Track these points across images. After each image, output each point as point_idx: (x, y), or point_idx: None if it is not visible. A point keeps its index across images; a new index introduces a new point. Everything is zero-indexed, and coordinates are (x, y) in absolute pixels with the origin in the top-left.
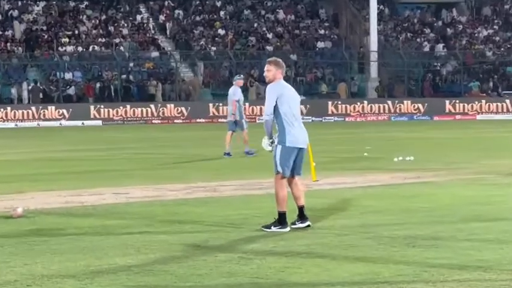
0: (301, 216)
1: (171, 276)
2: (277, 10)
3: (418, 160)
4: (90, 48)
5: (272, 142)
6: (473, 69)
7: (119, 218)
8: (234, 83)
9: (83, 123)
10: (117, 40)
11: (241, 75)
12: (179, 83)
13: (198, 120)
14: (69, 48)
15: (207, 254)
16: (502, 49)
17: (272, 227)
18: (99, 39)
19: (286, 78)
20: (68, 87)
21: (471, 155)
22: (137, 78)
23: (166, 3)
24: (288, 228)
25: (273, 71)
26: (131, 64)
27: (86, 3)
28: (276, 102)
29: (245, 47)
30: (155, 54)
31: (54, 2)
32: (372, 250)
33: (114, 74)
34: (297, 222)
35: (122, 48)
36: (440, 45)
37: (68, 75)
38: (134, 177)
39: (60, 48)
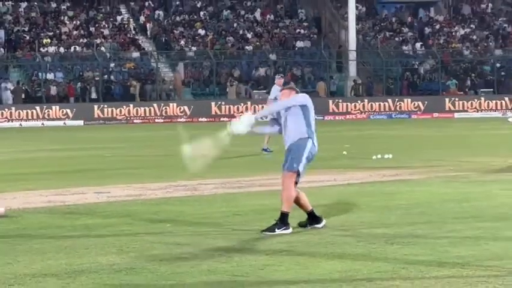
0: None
1: (152, 274)
2: (257, 10)
3: (396, 158)
4: (72, 49)
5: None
6: (450, 68)
7: (100, 217)
8: (275, 82)
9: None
10: (98, 41)
11: (281, 74)
12: (160, 83)
13: (200, 119)
14: (51, 49)
15: (188, 252)
16: (479, 48)
17: (276, 230)
18: (81, 40)
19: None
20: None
21: (449, 153)
22: (118, 78)
23: (146, 3)
24: (290, 229)
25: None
26: (112, 64)
27: (67, 4)
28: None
29: (225, 46)
30: (136, 54)
31: (36, 3)
32: (351, 247)
33: (95, 74)
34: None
35: (103, 48)
36: (418, 44)
37: (50, 76)
38: (116, 176)
39: (42, 49)
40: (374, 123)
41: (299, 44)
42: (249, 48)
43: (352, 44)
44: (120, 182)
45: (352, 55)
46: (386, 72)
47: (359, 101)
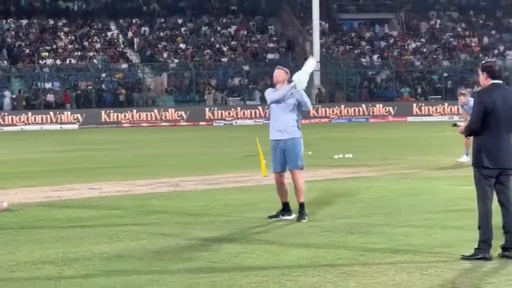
0: (289, 210)
1: (139, 261)
2: (232, 26)
3: (356, 157)
4: (67, 61)
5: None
6: (404, 77)
7: (93, 210)
8: None
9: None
10: (90, 54)
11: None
12: (145, 91)
13: (197, 123)
14: (49, 61)
15: (170, 241)
16: (429, 59)
17: (303, 219)
18: (75, 53)
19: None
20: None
21: (403, 153)
22: (109, 87)
23: (134, 20)
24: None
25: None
26: (103, 75)
27: (63, 21)
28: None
29: (203, 59)
30: (124, 66)
31: (35, 21)
32: (316, 237)
33: (88, 84)
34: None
35: (95, 61)
36: (375, 56)
37: (48, 85)
38: (108, 174)
39: (40, 61)
40: (336, 126)
41: (269, 56)
42: (224, 60)
43: (317, 56)
44: (111, 179)
45: (317, 66)
46: (347, 81)
47: (322, 107)
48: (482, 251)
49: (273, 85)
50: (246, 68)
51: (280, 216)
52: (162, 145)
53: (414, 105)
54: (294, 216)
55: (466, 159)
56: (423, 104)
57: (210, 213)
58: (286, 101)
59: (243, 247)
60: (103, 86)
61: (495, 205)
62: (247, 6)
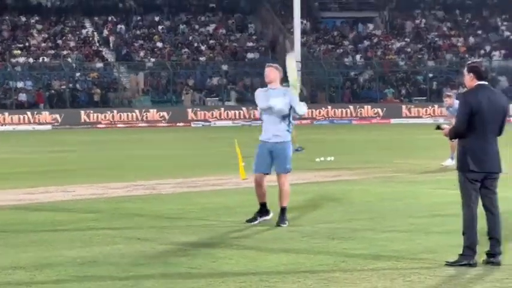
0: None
1: (114, 267)
2: (210, 25)
3: (338, 160)
4: (40, 60)
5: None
6: (387, 78)
7: (66, 214)
8: None
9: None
10: (64, 52)
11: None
12: (121, 91)
13: (177, 124)
14: (21, 60)
15: (146, 246)
16: (413, 59)
17: (283, 223)
18: (49, 51)
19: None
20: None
21: (386, 155)
22: (83, 86)
23: (109, 18)
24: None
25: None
26: (78, 74)
27: (36, 18)
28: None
29: (181, 58)
30: (99, 65)
31: (7, 17)
32: (295, 242)
33: (62, 83)
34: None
35: (69, 59)
36: (358, 56)
37: (20, 84)
38: (81, 176)
39: (12, 60)
40: (317, 128)
41: (249, 55)
42: (203, 59)
43: (298, 55)
44: (85, 181)
45: (298, 66)
46: (329, 81)
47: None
48: (466, 257)
49: (254, 86)
50: (225, 67)
51: (258, 218)
52: (139, 146)
53: (403, 106)
54: (271, 215)
55: (451, 162)
56: (412, 106)
57: (187, 217)
58: (283, 104)
59: (221, 252)
60: (77, 86)
61: (480, 210)
62: (226, 4)
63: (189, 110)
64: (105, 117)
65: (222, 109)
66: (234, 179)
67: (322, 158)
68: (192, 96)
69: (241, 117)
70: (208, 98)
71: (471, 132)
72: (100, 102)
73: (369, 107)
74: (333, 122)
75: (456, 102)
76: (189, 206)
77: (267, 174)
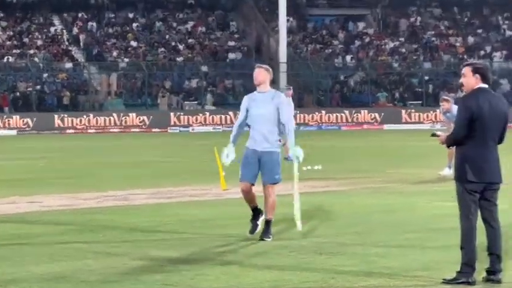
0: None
1: (83, 283)
2: (188, 22)
3: (326, 169)
4: (5, 59)
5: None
6: (380, 80)
7: (33, 227)
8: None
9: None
10: (31, 51)
11: (290, 87)
12: (92, 93)
13: (154, 130)
14: None
15: (118, 261)
16: (408, 60)
17: (267, 237)
18: (14, 51)
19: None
20: None
21: (377, 164)
22: (51, 88)
23: (79, 15)
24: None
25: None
26: (45, 75)
27: (0, 14)
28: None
29: (157, 58)
30: (69, 65)
31: None
32: (281, 257)
33: (28, 85)
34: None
35: (36, 59)
36: (348, 57)
37: None
38: (49, 186)
39: None
40: (304, 134)
41: (230, 55)
42: (180, 59)
43: (283, 56)
44: (53, 191)
45: (283, 67)
46: (317, 84)
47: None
48: (465, 275)
49: (235, 88)
50: (205, 68)
51: (258, 223)
52: (111, 153)
53: (403, 111)
54: (263, 216)
55: (449, 172)
56: (413, 111)
57: (163, 230)
58: (272, 110)
59: (199, 268)
60: (45, 88)
61: (479, 224)
62: (206, 0)
63: (172, 114)
64: (80, 121)
65: (201, 113)
66: (213, 189)
67: (309, 167)
68: (169, 99)
69: (223, 122)
70: (186, 102)
71: (470, 139)
72: (70, 106)
73: (365, 111)
74: (321, 128)
75: (454, 107)
76: (165, 218)
77: (253, 183)
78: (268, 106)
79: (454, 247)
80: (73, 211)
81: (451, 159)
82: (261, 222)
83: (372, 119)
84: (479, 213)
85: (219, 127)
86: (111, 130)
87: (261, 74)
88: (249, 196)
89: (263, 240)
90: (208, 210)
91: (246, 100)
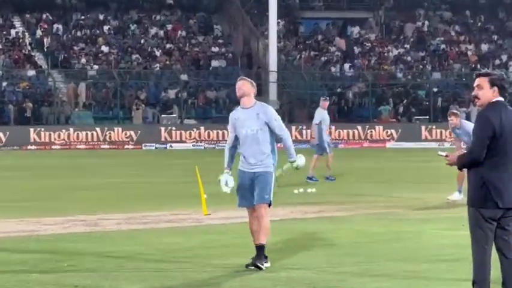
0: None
1: None
2: (167, 25)
3: (320, 192)
4: None
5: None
6: (383, 92)
7: None
8: (320, 104)
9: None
10: None
11: (327, 97)
12: (58, 105)
13: (127, 146)
14: None
15: None
16: (414, 70)
17: (264, 264)
18: None
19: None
20: None
21: (380, 187)
22: (12, 99)
23: (44, 16)
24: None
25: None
26: (5, 83)
27: None
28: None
29: (131, 65)
30: (31, 72)
31: None
32: None
33: None
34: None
35: None
36: (347, 65)
37: None
38: (6, 210)
39: None
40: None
41: (214, 63)
42: (157, 67)
43: (273, 64)
44: (13, 216)
45: (273, 76)
46: (311, 96)
47: None
48: None
49: (219, 100)
50: (184, 77)
51: (264, 264)
52: (78, 172)
53: (423, 127)
54: (269, 264)
55: (459, 197)
56: (434, 127)
57: (136, 260)
58: (258, 128)
59: None
60: (5, 97)
61: (493, 256)
62: (186, 0)
63: (162, 129)
64: (59, 136)
65: (180, 128)
66: (193, 214)
67: (301, 190)
68: (144, 112)
69: (204, 138)
70: (163, 115)
71: (488, 160)
72: (32, 118)
73: (381, 127)
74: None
75: (465, 123)
76: (138, 247)
77: (254, 206)
78: (254, 124)
79: (466, 281)
80: (35, 238)
81: (461, 182)
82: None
83: (388, 136)
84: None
85: (201, 144)
86: (78, 146)
87: (246, 85)
88: (255, 223)
89: (257, 266)
90: (187, 238)
91: (230, 119)
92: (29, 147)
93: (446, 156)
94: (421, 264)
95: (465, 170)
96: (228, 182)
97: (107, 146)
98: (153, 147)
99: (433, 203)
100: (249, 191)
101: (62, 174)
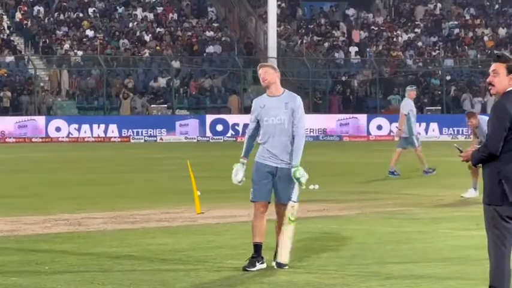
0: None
1: None
2: (157, 8)
3: (324, 189)
4: None
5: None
6: (391, 81)
7: None
8: (406, 94)
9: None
10: None
11: (414, 86)
12: (38, 94)
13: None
14: None
15: None
16: (426, 56)
17: (259, 264)
18: None
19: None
20: None
21: (388, 183)
22: None
23: None
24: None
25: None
26: None
27: None
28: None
29: (118, 51)
30: (10, 58)
31: None
32: None
33: None
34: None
35: None
36: (352, 51)
37: None
38: None
39: None
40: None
41: (208, 49)
42: (146, 53)
43: (272, 50)
44: None
45: (273, 63)
46: (313, 84)
47: None
48: None
49: (213, 89)
50: (176, 64)
51: (257, 264)
52: (60, 167)
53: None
54: (265, 265)
55: (474, 194)
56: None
57: (123, 263)
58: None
59: None
60: None
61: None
62: None
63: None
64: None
65: (171, 120)
66: (186, 212)
67: (303, 187)
68: (132, 101)
69: (198, 130)
70: (153, 105)
71: (505, 153)
72: (10, 108)
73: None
74: (318, 139)
75: (482, 119)
76: (126, 248)
77: (268, 203)
78: (281, 114)
79: (481, 286)
80: (14, 238)
81: (476, 178)
82: (259, 268)
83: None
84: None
85: (193, 136)
86: (61, 139)
87: (269, 73)
88: (260, 224)
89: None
90: (179, 238)
91: (254, 106)
92: (6, 139)
93: (461, 151)
94: (432, 267)
95: (479, 165)
96: (238, 173)
97: (91, 139)
98: (142, 140)
99: (446, 201)
100: (267, 185)
101: (43, 168)
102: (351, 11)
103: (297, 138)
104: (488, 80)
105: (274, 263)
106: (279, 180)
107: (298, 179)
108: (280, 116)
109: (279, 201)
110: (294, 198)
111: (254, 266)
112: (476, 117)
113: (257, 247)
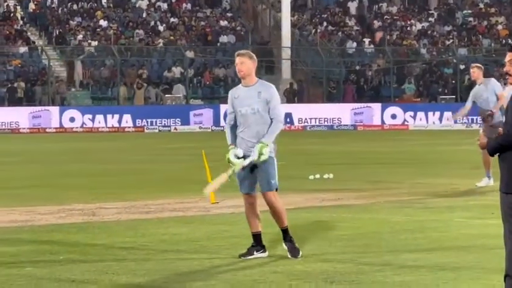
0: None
1: None
2: None
3: (338, 178)
4: None
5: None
6: (405, 70)
7: None
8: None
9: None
10: None
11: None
12: (52, 84)
13: (128, 129)
14: None
15: None
16: (439, 46)
17: (296, 253)
18: None
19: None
20: None
21: (402, 173)
22: (2, 78)
23: None
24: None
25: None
26: None
27: None
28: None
29: (132, 41)
30: (24, 49)
31: None
32: (281, 287)
33: None
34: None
35: None
36: (367, 41)
37: None
38: None
39: None
40: (311, 135)
41: (222, 39)
42: (160, 43)
43: (286, 39)
44: (4, 204)
45: (286, 53)
46: (327, 73)
47: (293, 109)
48: None
49: (227, 79)
50: (190, 54)
51: (255, 252)
52: (74, 158)
53: (419, 108)
54: (266, 254)
55: (489, 182)
56: (431, 107)
57: (137, 253)
58: (260, 107)
59: None
60: None
61: None
62: None
63: (149, 110)
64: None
65: (186, 109)
66: (200, 202)
67: (317, 176)
68: (146, 92)
69: (211, 120)
70: (167, 95)
71: None
72: (24, 99)
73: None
74: (333, 128)
75: (496, 84)
76: (140, 238)
77: (253, 193)
78: (255, 102)
79: (496, 274)
80: (29, 229)
81: (489, 166)
82: (257, 256)
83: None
84: None
85: (207, 126)
86: (75, 129)
87: (245, 64)
88: (251, 213)
89: (295, 258)
90: (193, 228)
91: (229, 97)
92: (21, 130)
93: (488, 116)
94: (447, 256)
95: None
96: (237, 153)
97: (105, 129)
98: (156, 130)
99: (461, 190)
100: (249, 176)
101: (57, 159)
102: (365, 0)
103: (274, 122)
104: (505, 69)
105: (284, 245)
106: (259, 169)
107: (260, 154)
108: (253, 105)
109: (262, 191)
110: (276, 185)
111: (251, 254)
112: (497, 112)
113: (255, 236)
